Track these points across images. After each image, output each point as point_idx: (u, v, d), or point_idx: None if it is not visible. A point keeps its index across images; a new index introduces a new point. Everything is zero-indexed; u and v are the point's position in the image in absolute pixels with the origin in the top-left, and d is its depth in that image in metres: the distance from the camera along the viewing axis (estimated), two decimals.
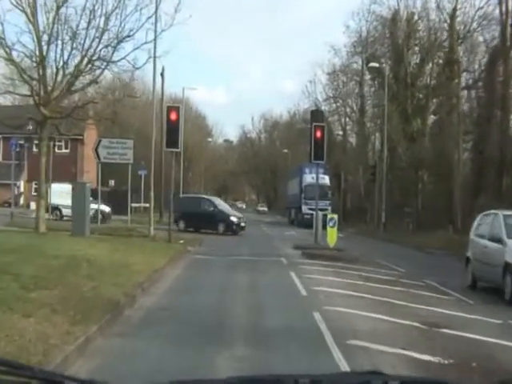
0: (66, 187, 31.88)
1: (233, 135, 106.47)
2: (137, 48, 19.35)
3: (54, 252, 13.40)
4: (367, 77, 49.74)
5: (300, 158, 61.94)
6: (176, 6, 19.82)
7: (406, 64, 41.06)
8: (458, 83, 35.06)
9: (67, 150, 48.60)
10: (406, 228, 35.46)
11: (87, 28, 18.78)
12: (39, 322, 7.30)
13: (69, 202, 31.56)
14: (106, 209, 33.78)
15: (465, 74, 37.66)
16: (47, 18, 18.92)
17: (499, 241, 12.44)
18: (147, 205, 29.34)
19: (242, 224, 30.98)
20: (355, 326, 8.52)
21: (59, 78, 19.36)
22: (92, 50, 18.97)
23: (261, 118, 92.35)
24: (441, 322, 9.28)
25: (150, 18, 19.81)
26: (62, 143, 47.58)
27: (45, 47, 18.87)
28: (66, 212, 30.79)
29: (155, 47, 20.35)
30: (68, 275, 10.56)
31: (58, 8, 18.93)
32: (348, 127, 57.09)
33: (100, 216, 28.29)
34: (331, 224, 21.02)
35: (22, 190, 47.89)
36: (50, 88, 19.21)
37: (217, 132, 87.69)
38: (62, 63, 19.14)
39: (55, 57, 19.13)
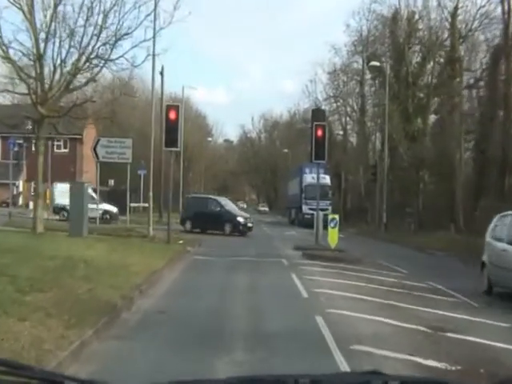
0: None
1: (233, 135, 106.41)
2: (135, 46, 19.14)
3: (50, 253, 13.16)
4: (368, 76, 49.54)
5: (300, 157, 61.75)
6: (175, 3, 19.61)
7: (407, 63, 40.84)
8: (460, 82, 34.82)
9: (66, 150, 48.40)
10: (407, 228, 35.23)
11: (85, 26, 18.55)
12: (34, 326, 7.09)
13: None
14: (114, 209, 33.58)
15: (465, 73, 37.45)
16: (44, 16, 18.71)
17: None
18: (146, 205, 29.10)
19: (249, 224, 30.50)
20: (358, 330, 8.29)
21: (57, 76, 19.12)
22: (90, 48, 18.76)
23: (261, 117, 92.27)
24: (446, 326, 9.05)
25: (148, 15, 19.62)
26: (61, 143, 47.40)
27: (42, 45, 18.65)
28: None
29: (154, 45, 20.16)
30: (64, 277, 10.33)
31: (56, 5, 18.70)
32: (348, 127, 56.91)
33: (107, 216, 28.15)
34: (332, 224, 20.77)
35: (20, 189, 47.64)
36: (47, 86, 18.96)
37: (217, 132, 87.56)
38: (59, 61, 18.93)
39: (52, 55, 18.92)
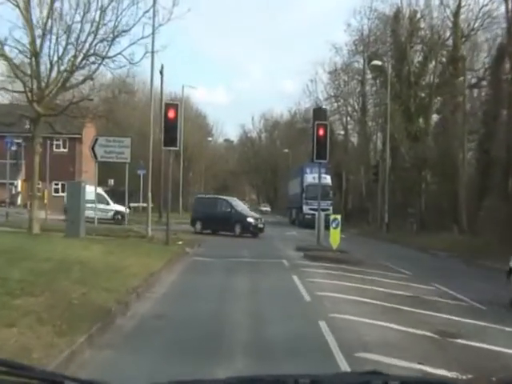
0: (86, 188, 31.33)
1: (233, 135, 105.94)
2: (133, 43, 18.76)
3: (45, 254, 12.80)
4: (369, 76, 49.22)
5: (301, 157, 61.45)
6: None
7: (409, 62, 40.49)
8: (463, 81, 34.47)
9: (65, 149, 48.01)
10: (409, 229, 34.86)
11: (82, 22, 18.18)
12: (22, 333, 6.73)
13: (89, 203, 31.17)
14: (123, 210, 33.20)
15: (468, 72, 37.08)
16: (41, 12, 18.33)
17: None
18: (146, 205, 28.75)
19: (260, 225, 29.89)
20: (364, 337, 7.91)
21: (53, 73, 18.76)
22: (87, 45, 18.38)
23: (261, 117, 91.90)
24: (454, 331, 8.69)
25: (147, 12, 19.27)
26: (60, 142, 47.00)
27: (38, 42, 18.26)
28: (86, 213, 30.19)
29: (153, 42, 19.78)
30: (58, 280, 9.97)
31: (52, 2, 18.32)
32: (349, 126, 56.55)
33: (119, 217, 27.73)
34: (334, 225, 20.39)
35: (19, 189, 47.28)
36: (43, 84, 18.59)
37: (217, 131, 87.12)
38: (56, 58, 18.55)
39: (49, 52, 18.54)
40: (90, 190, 32.43)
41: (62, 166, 42.21)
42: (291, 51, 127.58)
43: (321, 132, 21.86)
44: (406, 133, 38.41)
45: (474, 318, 9.94)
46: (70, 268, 11.25)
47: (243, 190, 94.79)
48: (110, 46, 18.54)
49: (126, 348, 7.09)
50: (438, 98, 39.94)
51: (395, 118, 38.09)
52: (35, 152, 19.17)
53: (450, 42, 38.74)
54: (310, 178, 43.03)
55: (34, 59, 18.37)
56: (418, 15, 41.52)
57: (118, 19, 18.61)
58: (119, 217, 31.51)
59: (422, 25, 41.65)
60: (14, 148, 36.70)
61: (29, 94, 18.55)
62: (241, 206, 32.21)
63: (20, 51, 18.21)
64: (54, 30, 18.34)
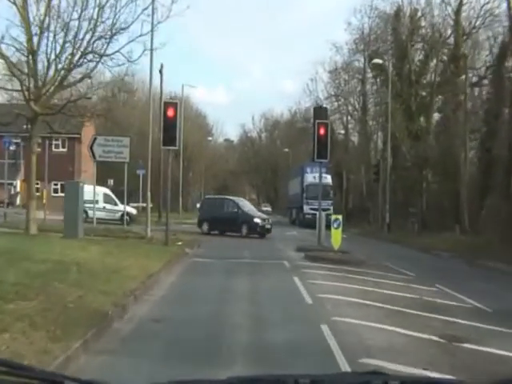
0: (94, 188, 31.07)
1: (233, 134, 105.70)
2: (132, 41, 18.49)
3: (41, 256, 12.57)
4: (369, 74, 49.02)
5: (301, 157, 61.28)
6: None
7: (410, 61, 40.28)
8: (465, 79, 34.24)
9: (64, 149, 47.80)
10: (410, 229, 34.63)
11: (79, 19, 17.92)
12: (15, 339, 6.51)
13: (97, 203, 30.89)
14: (133, 210, 33.01)
15: (469, 71, 36.86)
16: (38, 10, 18.07)
17: None
18: (145, 205, 28.51)
19: (268, 226, 29.51)
20: (368, 341, 7.67)
21: (50, 72, 18.51)
22: (85, 43, 18.13)
23: (261, 117, 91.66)
24: (460, 335, 8.45)
25: (145, 9, 19.01)
26: (59, 142, 46.80)
27: (35, 40, 18.03)
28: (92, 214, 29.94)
29: (152, 39, 19.54)
30: (53, 282, 9.72)
31: None
32: (350, 126, 56.37)
33: (128, 218, 27.45)
34: (336, 225, 20.14)
35: (18, 189, 47.04)
36: (40, 83, 18.34)
37: (217, 131, 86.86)
38: (53, 57, 18.30)
39: (46, 50, 18.29)
40: (98, 191, 32.29)
41: (61, 166, 42.00)
42: (291, 51, 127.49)
43: (321, 131, 21.62)
44: (407, 132, 38.18)
45: (480, 320, 9.70)
46: (66, 270, 11.02)
47: (243, 190, 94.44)
48: (108, 44, 18.33)
49: (122, 353, 6.87)
50: (439, 97, 39.72)
51: (396, 117, 37.87)
52: (32, 152, 18.93)
53: (451, 40, 38.53)
54: (311, 177, 42.86)
55: (31, 57, 18.12)
56: (419, 13, 41.32)
57: (117, 17, 18.41)
58: (128, 218, 31.21)
59: (423, 23, 41.46)
60: (12, 148, 36.50)
61: (26, 93, 18.31)
62: (248, 206, 31.79)
63: (17, 49, 18.00)
64: (52, 28, 18.13)
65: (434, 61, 40.07)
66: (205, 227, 29.52)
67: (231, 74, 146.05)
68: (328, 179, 40.24)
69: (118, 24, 18.25)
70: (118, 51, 18.42)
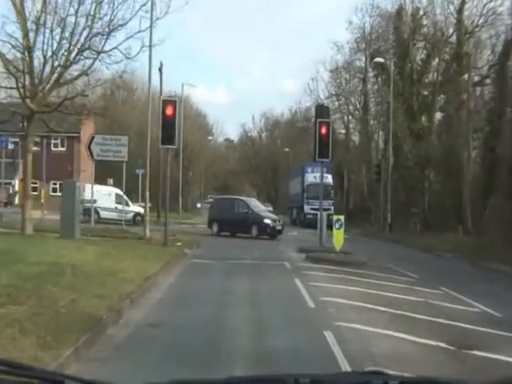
0: (106, 189, 30.80)
1: (233, 134, 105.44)
2: (130, 37, 18.14)
3: (35, 257, 12.23)
4: (370, 74, 48.71)
5: (301, 156, 60.99)
6: None
7: (412, 60, 39.95)
8: (468, 78, 33.90)
9: (63, 148, 47.45)
10: (412, 229, 34.30)
11: (76, 15, 17.57)
12: (3, 346, 6.19)
13: (107, 203, 30.60)
14: (142, 210, 32.71)
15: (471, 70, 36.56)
16: (34, 5, 17.71)
17: None
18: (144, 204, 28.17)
19: (278, 227, 28.72)
20: (373, 349, 7.33)
21: (47, 69, 18.14)
22: (82, 39, 17.78)
23: (262, 116, 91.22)
24: (469, 341, 8.10)
25: (144, 5, 18.68)
26: (58, 141, 46.50)
27: (32, 36, 17.67)
28: (104, 214, 29.59)
29: (151, 35, 19.21)
30: (46, 285, 9.38)
31: None
32: (351, 125, 56.05)
33: (139, 218, 27.11)
34: (337, 226, 19.75)
35: (16, 189, 46.74)
36: (36, 80, 17.98)
37: (217, 131, 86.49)
38: (50, 53, 17.94)
39: (43, 47, 17.94)
40: (108, 191, 32.00)
41: (60, 165, 41.76)
42: (292, 50, 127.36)
43: (323, 130, 21.27)
44: (409, 131, 37.85)
45: (489, 326, 9.35)
46: (60, 272, 10.68)
47: (244, 190, 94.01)
48: (105, 40, 17.98)
49: (116, 361, 6.53)
50: (442, 96, 39.38)
51: (398, 116, 37.55)
52: (28, 151, 18.57)
53: (453, 39, 38.22)
54: (311, 177, 42.56)
55: (27, 54, 17.77)
56: (421, 12, 40.98)
57: (114, 13, 18.05)
58: (139, 218, 30.85)
59: (425, 22, 41.13)
60: (10, 147, 36.20)
61: (21, 91, 17.95)
62: (258, 206, 31.05)
63: (13, 46, 17.63)
64: (48, 24, 17.76)
65: (436, 60, 39.75)
66: (214, 228, 29.00)
67: (231, 73, 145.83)
68: (329, 179, 39.91)
69: (116, 20, 17.93)
70: (115, 48, 18.12)
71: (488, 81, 35.66)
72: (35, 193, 36.42)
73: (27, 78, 18.03)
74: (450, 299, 12.17)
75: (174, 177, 40.41)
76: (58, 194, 39.74)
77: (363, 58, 49.08)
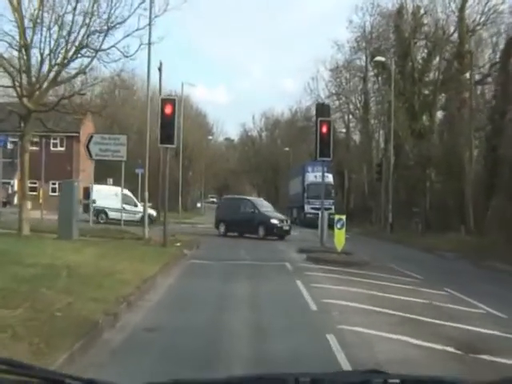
0: (114, 189, 30.54)
1: (234, 134, 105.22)
2: (128, 35, 17.87)
3: (31, 259, 11.98)
4: (371, 73, 48.51)
5: (302, 156, 60.81)
6: None
7: (413, 58, 39.72)
8: (470, 76, 33.66)
9: (62, 148, 47.24)
10: (414, 229, 34.05)
11: (74, 13, 17.30)
12: None
13: (116, 204, 30.33)
14: (154, 212, 32.54)
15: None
16: (30, 2, 17.44)
17: None
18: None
19: (286, 227, 28.28)
20: (379, 354, 7.08)
21: (44, 67, 17.88)
22: (80, 37, 17.52)
23: (262, 116, 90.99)
24: (477, 345, 7.85)
25: (142, 2, 18.41)
26: (58, 141, 46.28)
27: (29, 33, 17.42)
28: (113, 215, 29.31)
29: (150, 33, 18.96)
30: (41, 288, 9.12)
31: None
32: (351, 125, 55.84)
33: (149, 219, 26.85)
34: (339, 226, 19.50)
35: (15, 188, 46.49)
36: (34, 79, 17.71)
37: (217, 130, 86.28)
38: (47, 52, 17.68)
39: (40, 45, 17.67)
40: (116, 192, 31.70)
41: (59, 165, 41.51)
42: (292, 50, 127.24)
43: (324, 129, 21.01)
44: (410, 130, 37.62)
45: (495, 328, 9.11)
46: (56, 274, 10.42)
47: (244, 189, 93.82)
48: (103, 39, 17.72)
49: (112, 367, 6.29)
50: (443, 95, 39.15)
51: (399, 116, 37.33)
52: (25, 150, 18.31)
53: (455, 37, 38.01)
54: (312, 176, 42.35)
55: (24, 52, 17.50)
56: (422, 11, 40.73)
57: (112, 10, 17.79)
58: (149, 219, 30.58)
59: (426, 20, 40.88)
60: (9, 146, 35.91)
61: (18, 89, 17.68)
62: (266, 206, 30.57)
63: (9, 44, 17.37)
64: (45, 22, 17.50)
65: (437, 58, 39.51)
66: (222, 229, 28.65)
67: (231, 73, 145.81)
68: (329, 178, 39.67)
69: (114, 18, 17.65)
70: (113, 46, 17.84)
71: (489, 79, 35.44)
72: (34, 193, 36.29)
73: (24, 76, 17.78)
74: (455, 300, 11.93)
75: (174, 176, 40.16)
76: (58, 194, 39.59)
77: (363, 57, 48.95)
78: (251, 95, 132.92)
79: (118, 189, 32.05)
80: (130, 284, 10.62)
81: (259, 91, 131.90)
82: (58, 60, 17.82)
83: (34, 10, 17.51)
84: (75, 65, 18.32)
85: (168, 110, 18.00)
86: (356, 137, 56.26)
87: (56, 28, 17.59)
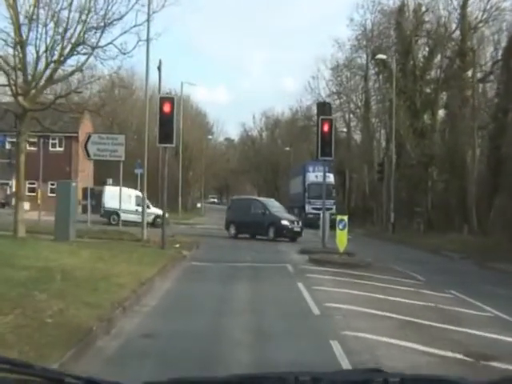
0: (125, 191, 30.24)
1: (234, 133, 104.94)
2: (126, 31, 17.56)
3: (25, 261, 11.64)
4: (372, 71, 48.22)
5: (302, 156, 60.47)
6: None
7: (414, 56, 39.41)
8: (473, 74, 33.34)
9: (61, 148, 46.88)
10: (416, 228, 33.73)
11: (70, 9, 16.97)
12: None
13: (128, 206, 30.04)
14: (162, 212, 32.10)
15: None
16: None
17: None
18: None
19: (297, 229, 27.53)
20: (385, 362, 6.71)
21: (40, 65, 17.54)
22: (76, 34, 17.17)
23: (262, 115, 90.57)
24: (487, 351, 7.51)
25: None
26: (56, 141, 45.91)
27: (24, 30, 17.07)
28: (125, 217, 28.98)
29: (148, 29, 18.64)
30: (34, 292, 8.80)
31: None
32: (352, 124, 55.51)
33: (160, 221, 26.52)
34: (341, 226, 19.15)
35: (14, 189, 46.15)
36: (29, 77, 17.37)
37: (218, 130, 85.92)
38: (43, 49, 17.34)
39: (35, 42, 17.32)
40: (129, 193, 31.41)
41: (58, 166, 41.14)
42: (292, 49, 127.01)
43: (325, 128, 20.65)
44: (412, 129, 37.30)
45: (505, 333, 8.77)
46: (50, 278, 10.06)
47: (244, 189, 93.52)
48: (100, 35, 17.38)
49: (104, 374, 5.92)
50: (444, 93, 38.84)
51: (400, 114, 36.99)
52: (21, 150, 17.97)
53: (456, 34, 37.72)
54: (313, 176, 41.99)
55: (19, 50, 17.16)
56: (423, 8, 40.44)
57: (109, 6, 17.45)
58: (159, 220, 30.23)
59: (427, 18, 40.59)
60: (8, 147, 35.66)
61: (13, 88, 17.34)
62: (277, 207, 29.88)
63: (4, 41, 17.02)
64: (41, 18, 17.15)
65: (439, 56, 39.21)
66: (232, 230, 28.15)
67: (231, 73, 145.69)
68: (330, 178, 39.32)
69: (111, 14, 17.31)
70: (110, 43, 17.52)
71: (491, 77, 35.13)
72: (33, 194, 35.93)
73: (19, 74, 17.43)
74: (461, 303, 11.61)
75: (174, 177, 39.90)
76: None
77: (364, 56, 48.71)
78: (251, 95, 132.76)
79: (130, 190, 31.73)
80: (127, 287, 10.28)
81: (259, 90, 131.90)
82: (54, 57, 17.49)
83: (30, 6, 17.19)
84: (72, 62, 18.01)
85: (167, 108, 17.67)
86: (357, 136, 56.00)
87: (52, 25, 17.27)
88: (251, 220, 27.45)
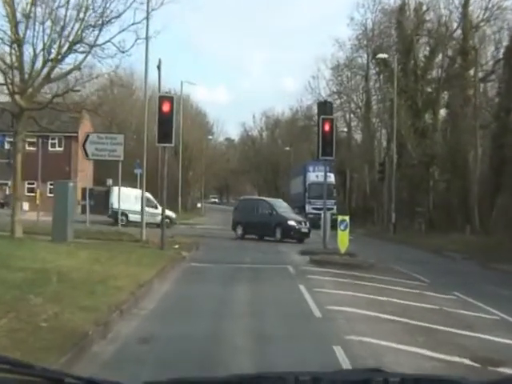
0: (134, 191, 30.02)
1: (234, 133, 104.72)
2: (124, 30, 17.34)
3: (21, 263, 11.42)
4: (372, 71, 48.05)
5: (302, 155, 60.30)
6: None
7: (415, 55, 39.22)
8: (474, 73, 33.13)
9: (61, 148, 46.67)
10: (417, 229, 33.52)
11: (67, 7, 16.75)
12: None
13: (135, 206, 29.78)
14: (173, 214, 31.91)
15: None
16: None
17: None
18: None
19: (304, 230, 27.07)
20: (389, 368, 6.49)
21: (37, 63, 17.31)
22: (74, 32, 16.96)
23: (262, 115, 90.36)
24: (495, 357, 7.29)
25: None
26: (56, 141, 45.71)
27: (21, 28, 16.86)
28: (134, 218, 28.76)
29: (147, 27, 18.42)
30: (29, 295, 8.57)
31: None
32: (353, 123, 55.33)
33: (168, 221, 26.35)
34: (342, 227, 18.92)
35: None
36: (26, 75, 17.15)
37: (218, 130, 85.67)
38: (41, 47, 17.12)
39: (33, 40, 17.10)
40: (136, 194, 31.19)
41: (57, 166, 40.93)
42: (292, 49, 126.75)
43: (326, 127, 20.40)
44: (413, 129, 37.09)
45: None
46: (46, 280, 9.83)
47: (244, 189, 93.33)
48: (98, 33, 17.16)
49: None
50: (446, 93, 38.64)
51: (401, 114, 36.80)
52: (17, 150, 17.75)
53: (458, 34, 37.54)
54: (313, 176, 41.77)
55: (16, 48, 16.93)
56: (424, 7, 40.29)
57: (107, 4, 17.23)
58: (168, 221, 30.01)
59: (428, 17, 40.42)
60: (7, 147, 35.37)
61: (10, 86, 17.11)
62: (284, 207, 29.53)
63: (1, 39, 16.80)
64: (38, 16, 16.93)
65: (440, 55, 39.02)
66: (239, 231, 27.82)
67: (231, 73, 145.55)
68: (331, 178, 39.09)
69: (109, 12, 17.09)
70: (108, 41, 17.29)
71: (493, 77, 34.94)
72: (32, 194, 35.72)
73: (16, 73, 17.21)
74: (466, 305, 11.39)
75: (174, 176, 39.69)
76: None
77: (365, 55, 48.57)
78: (251, 94, 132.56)
79: (138, 191, 31.52)
80: (125, 290, 10.05)
81: (259, 90, 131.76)
82: (52, 56, 17.26)
83: (27, 3, 16.99)
84: (69, 61, 17.78)
85: (166, 107, 17.45)
86: (358, 136, 55.82)
87: (49, 23, 17.06)
88: (258, 221, 27.15)
